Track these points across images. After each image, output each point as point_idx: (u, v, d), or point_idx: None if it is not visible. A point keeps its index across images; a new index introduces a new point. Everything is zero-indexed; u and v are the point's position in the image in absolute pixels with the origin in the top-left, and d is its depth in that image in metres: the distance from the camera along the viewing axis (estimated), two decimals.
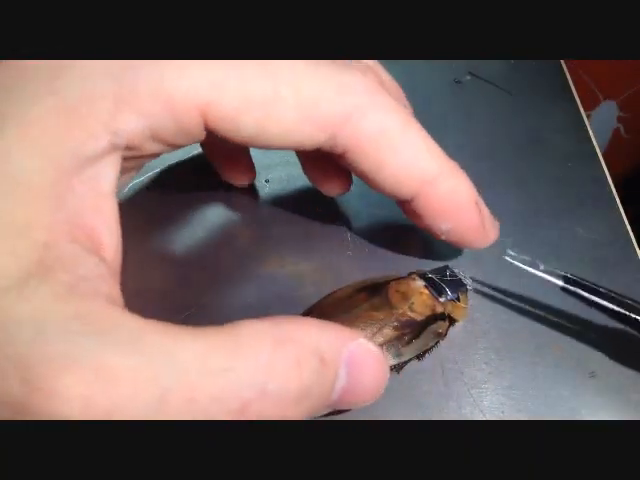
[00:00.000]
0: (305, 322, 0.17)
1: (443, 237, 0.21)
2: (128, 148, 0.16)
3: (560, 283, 0.22)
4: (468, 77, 0.36)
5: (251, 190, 0.30)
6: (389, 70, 0.34)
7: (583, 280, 0.22)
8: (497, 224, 0.22)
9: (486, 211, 0.21)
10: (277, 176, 0.30)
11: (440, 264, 0.26)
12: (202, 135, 0.17)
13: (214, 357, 0.14)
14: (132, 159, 0.17)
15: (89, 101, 0.15)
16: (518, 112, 0.35)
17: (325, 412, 0.17)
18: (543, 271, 0.22)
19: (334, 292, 0.25)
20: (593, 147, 0.33)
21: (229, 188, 0.29)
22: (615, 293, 0.22)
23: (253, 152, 0.29)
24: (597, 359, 0.24)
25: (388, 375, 0.18)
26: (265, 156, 0.30)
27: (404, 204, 0.21)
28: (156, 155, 0.18)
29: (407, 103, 0.24)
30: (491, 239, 0.22)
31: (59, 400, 0.13)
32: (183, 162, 0.31)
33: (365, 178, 0.20)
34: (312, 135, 0.18)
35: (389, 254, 0.27)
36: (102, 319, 0.14)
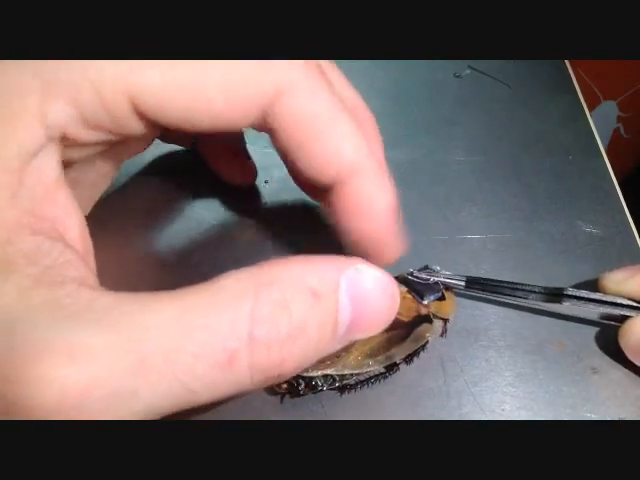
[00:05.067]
0: (291, 260, 0.16)
1: (350, 240, 0.21)
2: (66, 138, 0.16)
3: (462, 284, 0.24)
4: (468, 71, 0.36)
5: (251, 190, 0.30)
6: (389, 65, 0.34)
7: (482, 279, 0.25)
8: (404, 245, 0.21)
9: (399, 225, 0.21)
10: (276, 176, 0.30)
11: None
12: (136, 122, 0.17)
13: (192, 314, 0.14)
14: (77, 146, 0.17)
15: (20, 98, 0.15)
16: (518, 106, 0.34)
17: (340, 346, 0.17)
18: (445, 276, 0.24)
19: None
20: (594, 139, 0.33)
21: (229, 188, 0.29)
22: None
23: (252, 153, 0.29)
24: (599, 355, 0.24)
25: (398, 295, 0.17)
26: (264, 157, 0.30)
27: (322, 194, 0.21)
28: (103, 145, 0.18)
29: (361, 103, 0.23)
30: (397, 254, 0.22)
31: (37, 388, 0.13)
32: (183, 162, 0.31)
33: (288, 159, 0.20)
34: (242, 115, 0.18)
35: None
36: (73, 303, 0.14)
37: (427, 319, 0.24)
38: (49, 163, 0.16)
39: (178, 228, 0.28)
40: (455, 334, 0.25)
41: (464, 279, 0.24)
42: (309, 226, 0.28)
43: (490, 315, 0.25)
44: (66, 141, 0.16)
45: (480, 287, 0.24)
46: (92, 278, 0.16)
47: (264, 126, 0.19)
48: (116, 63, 0.16)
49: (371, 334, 0.17)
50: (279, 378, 0.16)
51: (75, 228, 0.17)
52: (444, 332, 0.24)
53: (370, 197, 0.20)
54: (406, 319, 0.23)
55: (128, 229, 0.28)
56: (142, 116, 0.17)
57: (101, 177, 0.23)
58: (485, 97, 0.35)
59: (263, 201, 0.30)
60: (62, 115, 0.16)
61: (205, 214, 0.29)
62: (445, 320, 0.24)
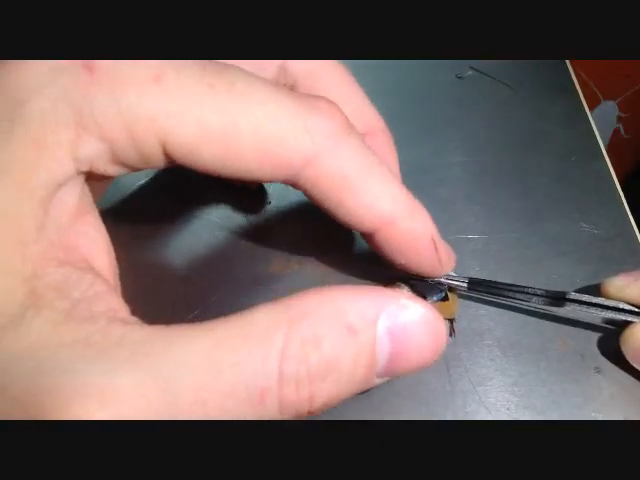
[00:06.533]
0: (328, 292, 0.16)
1: (401, 267, 0.22)
2: (91, 171, 0.16)
3: (464, 285, 0.24)
4: (470, 72, 0.36)
5: (255, 191, 0.30)
6: (390, 65, 0.34)
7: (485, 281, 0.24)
8: (453, 256, 0.23)
9: (443, 246, 0.22)
10: None
11: None
12: (162, 161, 0.17)
13: (222, 351, 0.14)
14: (98, 179, 0.17)
15: (53, 130, 0.15)
16: (520, 107, 0.35)
17: (380, 382, 0.16)
18: (448, 277, 0.24)
19: None
20: (596, 141, 0.33)
21: (233, 189, 0.29)
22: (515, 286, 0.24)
23: None
24: (602, 354, 0.24)
25: (444, 333, 0.17)
26: None
27: (366, 237, 0.21)
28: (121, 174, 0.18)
29: (382, 124, 0.24)
30: (446, 271, 0.23)
31: None
32: None
33: (325, 211, 0.20)
34: (271, 173, 0.18)
35: None
36: (103, 339, 0.14)
37: None
38: (74, 191, 0.16)
39: (182, 229, 0.28)
40: (460, 333, 0.25)
41: (466, 280, 0.24)
42: (315, 226, 0.28)
43: (495, 314, 0.25)
44: (92, 174, 0.17)
45: (482, 289, 0.24)
46: (123, 309, 0.16)
47: (295, 185, 0.19)
48: (151, 104, 0.16)
49: (415, 371, 0.17)
50: (311, 414, 0.16)
51: (103, 254, 0.17)
52: (452, 332, 0.24)
53: (409, 237, 0.20)
54: None
55: (132, 231, 0.28)
56: (170, 157, 0.17)
57: (101, 186, 0.23)
58: (487, 98, 0.35)
59: (267, 201, 0.30)
60: (93, 151, 0.16)
61: (210, 214, 0.29)
62: (452, 320, 0.24)
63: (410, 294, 0.17)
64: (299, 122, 0.17)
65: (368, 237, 0.21)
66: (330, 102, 0.18)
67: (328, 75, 0.23)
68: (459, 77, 0.36)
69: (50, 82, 0.15)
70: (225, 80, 0.17)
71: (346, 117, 0.18)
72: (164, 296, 0.26)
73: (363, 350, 0.15)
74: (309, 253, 0.27)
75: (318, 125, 0.17)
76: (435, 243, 0.21)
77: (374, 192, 0.19)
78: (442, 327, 0.16)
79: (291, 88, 0.23)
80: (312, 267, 0.27)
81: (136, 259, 0.26)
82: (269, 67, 0.22)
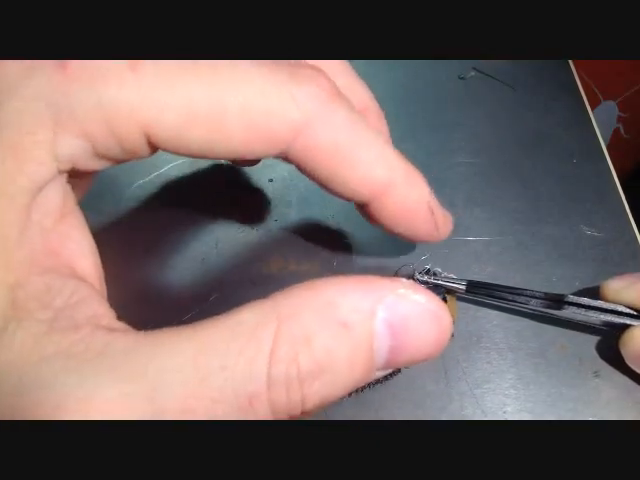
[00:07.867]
0: (318, 285, 0.15)
1: (397, 235, 0.22)
2: (74, 168, 0.16)
3: (463, 288, 0.24)
4: (472, 73, 0.36)
5: (254, 189, 0.30)
6: (393, 66, 0.34)
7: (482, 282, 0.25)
8: (450, 219, 0.22)
9: (439, 210, 0.21)
10: (280, 175, 0.30)
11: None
12: (147, 150, 0.17)
13: (209, 355, 0.14)
14: (82, 175, 0.17)
15: (30, 131, 0.15)
16: (522, 108, 0.34)
17: (384, 374, 0.16)
18: (446, 279, 0.24)
19: None
20: (598, 142, 0.33)
21: (233, 188, 0.29)
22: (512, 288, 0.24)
23: None
24: (601, 358, 0.24)
25: (448, 319, 0.15)
26: None
27: (360, 207, 0.21)
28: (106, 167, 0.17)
29: (373, 102, 0.23)
30: (443, 236, 0.22)
31: None
32: (186, 163, 0.31)
33: (319, 184, 0.20)
34: (261, 149, 0.17)
35: (393, 257, 0.27)
36: (86, 349, 0.14)
37: None
38: (57, 192, 0.16)
39: (181, 229, 0.28)
40: (457, 336, 0.25)
41: (465, 283, 0.24)
42: (312, 226, 0.28)
43: (492, 317, 0.25)
44: (74, 171, 0.16)
45: (481, 291, 0.24)
46: (107, 315, 0.15)
47: (287, 158, 0.18)
48: (130, 95, 0.15)
49: (422, 361, 0.16)
50: (305, 415, 0.15)
51: (87, 257, 0.16)
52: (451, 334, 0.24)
53: (405, 203, 0.20)
54: None
55: (131, 232, 0.28)
56: (155, 146, 0.16)
57: (84, 184, 0.23)
58: (489, 99, 0.35)
59: (266, 200, 0.30)
60: (74, 148, 0.15)
61: (208, 214, 0.29)
62: None
63: (409, 282, 0.15)
64: (286, 93, 0.17)
65: (364, 207, 0.20)
66: (314, 68, 0.18)
67: None
68: (461, 78, 0.36)
69: (23, 82, 0.15)
70: (206, 61, 0.16)
71: (333, 83, 0.18)
72: (161, 297, 0.25)
73: (359, 346, 0.14)
74: (307, 253, 0.27)
75: (305, 93, 0.17)
76: (432, 208, 0.20)
77: (368, 159, 0.18)
78: (446, 316, 0.15)
79: None
80: (310, 268, 0.27)
81: (132, 261, 0.26)
82: None
